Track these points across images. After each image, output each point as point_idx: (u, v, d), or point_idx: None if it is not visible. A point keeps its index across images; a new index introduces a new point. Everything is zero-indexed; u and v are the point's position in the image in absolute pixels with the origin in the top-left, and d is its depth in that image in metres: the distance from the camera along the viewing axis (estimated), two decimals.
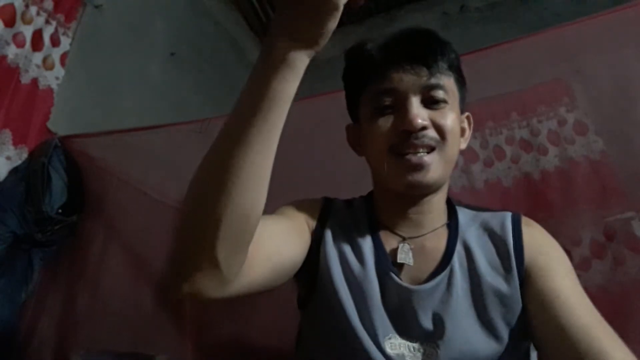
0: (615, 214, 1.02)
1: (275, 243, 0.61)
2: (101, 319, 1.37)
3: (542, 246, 0.67)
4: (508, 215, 0.70)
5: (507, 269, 0.64)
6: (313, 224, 0.71)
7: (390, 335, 0.61)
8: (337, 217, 0.72)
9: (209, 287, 0.49)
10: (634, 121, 1.04)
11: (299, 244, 0.66)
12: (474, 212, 0.73)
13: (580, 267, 1.04)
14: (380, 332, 0.61)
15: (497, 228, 0.69)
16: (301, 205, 0.73)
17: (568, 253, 1.07)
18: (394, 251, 0.67)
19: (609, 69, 1.08)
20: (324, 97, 1.24)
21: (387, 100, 0.66)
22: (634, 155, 1.04)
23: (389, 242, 0.69)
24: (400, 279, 0.64)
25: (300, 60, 0.49)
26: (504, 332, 0.61)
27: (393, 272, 0.65)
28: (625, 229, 1.02)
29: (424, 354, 0.59)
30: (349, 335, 0.61)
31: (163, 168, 1.47)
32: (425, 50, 0.66)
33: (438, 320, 0.60)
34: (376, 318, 0.61)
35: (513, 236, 0.67)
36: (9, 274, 1.37)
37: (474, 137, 1.23)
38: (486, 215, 0.72)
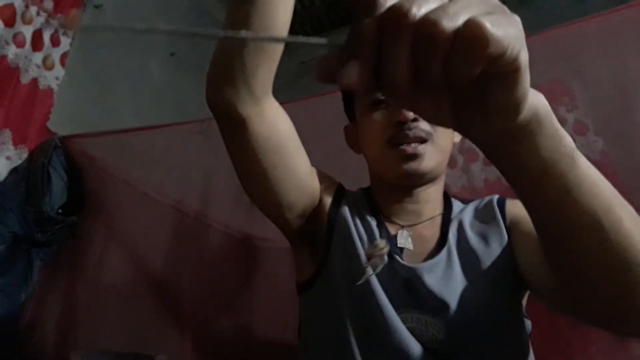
0: None
1: (296, 139, 0.66)
2: (101, 319, 1.37)
3: (525, 221, 0.70)
4: (495, 196, 0.74)
5: (492, 221, 0.68)
6: (329, 196, 0.73)
7: (401, 310, 0.62)
8: (350, 198, 0.76)
9: (240, 95, 0.58)
10: (634, 121, 1.04)
11: (308, 173, 0.69)
12: (468, 202, 0.77)
13: None
14: (398, 304, 0.62)
15: (485, 206, 0.73)
16: (323, 173, 0.76)
17: None
18: (394, 237, 0.69)
19: (609, 69, 1.08)
20: (324, 97, 1.24)
21: (380, 95, 0.69)
22: (634, 155, 1.04)
23: (389, 229, 0.71)
24: (403, 260, 0.66)
25: None
26: (496, 294, 0.63)
27: (396, 252, 0.67)
28: None
29: (430, 327, 0.60)
30: (369, 302, 0.62)
31: (163, 168, 1.47)
32: None
33: (440, 296, 0.62)
34: (393, 292, 0.63)
35: (498, 205, 0.71)
36: (9, 274, 1.37)
37: None
38: (477, 201, 0.76)
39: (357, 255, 0.66)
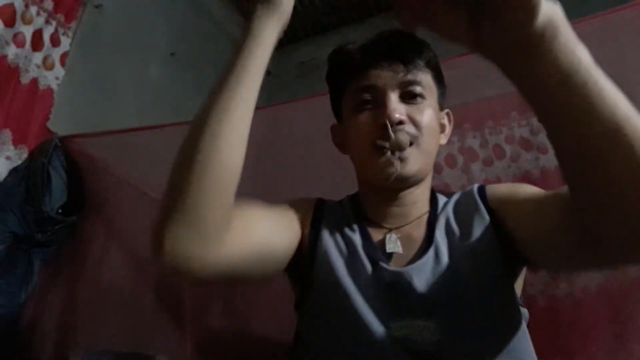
0: None
1: (263, 227, 0.64)
2: (101, 319, 1.37)
3: (503, 186, 0.73)
4: (475, 185, 0.75)
5: (473, 209, 0.68)
6: (307, 222, 0.73)
7: (391, 319, 0.61)
8: (330, 216, 0.74)
9: (191, 241, 0.52)
10: None
11: (287, 236, 0.69)
12: (452, 195, 0.77)
13: None
14: (387, 315, 0.61)
15: (466, 195, 0.73)
16: (297, 203, 0.75)
17: None
18: (382, 242, 0.69)
19: (609, 68, 1.07)
20: (324, 97, 1.24)
21: (367, 96, 0.69)
22: None
23: (376, 234, 0.70)
24: (389, 266, 0.66)
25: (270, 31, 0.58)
26: (486, 280, 0.62)
27: (382, 260, 0.66)
28: None
29: (424, 331, 0.59)
30: (355, 322, 0.61)
31: (163, 168, 1.47)
32: (402, 48, 0.69)
33: (431, 297, 0.61)
34: (376, 303, 0.62)
35: (479, 192, 0.71)
36: (9, 274, 1.37)
37: (473, 136, 1.23)
38: (459, 192, 0.76)
39: (338, 277, 0.65)
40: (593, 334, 1.00)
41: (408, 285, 0.62)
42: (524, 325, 0.63)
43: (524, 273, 0.69)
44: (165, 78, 2.40)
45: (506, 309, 0.63)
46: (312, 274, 0.68)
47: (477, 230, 0.66)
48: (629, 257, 0.48)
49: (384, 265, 0.65)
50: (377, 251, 0.67)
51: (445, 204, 0.73)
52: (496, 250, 0.63)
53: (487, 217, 0.66)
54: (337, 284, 0.65)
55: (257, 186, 1.36)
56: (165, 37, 2.46)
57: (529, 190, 0.66)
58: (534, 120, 1.16)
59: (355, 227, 0.71)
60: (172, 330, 1.32)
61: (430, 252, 0.65)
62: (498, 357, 0.59)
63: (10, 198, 1.40)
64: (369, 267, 0.65)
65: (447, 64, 1.24)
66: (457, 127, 1.31)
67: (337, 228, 0.72)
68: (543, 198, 0.60)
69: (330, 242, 0.69)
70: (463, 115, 1.25)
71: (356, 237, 0.70)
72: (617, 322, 0.99)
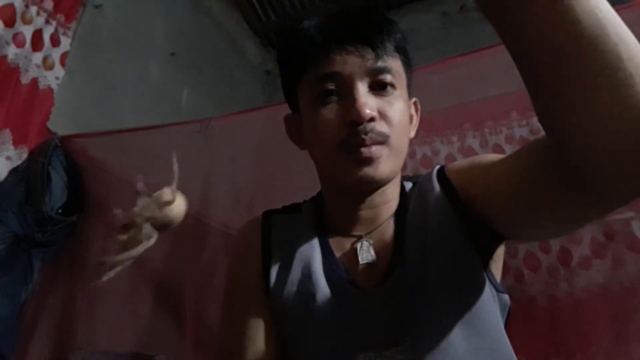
0: (615, 214, 1.02)
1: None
2: (101, 318, 1.37)
3: (463, 160, 0.66)
4: (435, 168, 0.67)
5: (431, 194, 0.63)
6: (259, 255, 0.67)
7: (363, 348, 0.57)
8: (279, 235, 0.68)
9: None
10: None
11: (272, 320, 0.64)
12: (418, 178, 0.70)
13: (581, 266, 1.04)
14: (351, 349, 0.57)
15: (426, 177, 0.66)
16: (242, 266, 0.68)
17: (568, 252, 1.07)
18: (349, 254, 0.63)
19: None
20: None
21: (330, 86, 0.59)
22: None
23: (342, 245, 0.64)
24: (356, 285, 0.60)
25: None
26: (456, 268, 0.58)
27: (346, 279, 0.61)
28: (625, 229, 1.02)
29: (396, 355, 0.56)
30: (316, 358, 0.59)
31: (163, 168, 1.47)
32: (370, 29, 0.60)
33: (399, 324, 0.57)
34: (343, 335, 0.58)
35: (438, 174, 0.64)
36: (9, 274, 1.37)
37: (473, 136, 1.23)
38: (421, 177, 0.69)
39: (294, 312, 0.61)
40: (593, 334, 1.00)
41: (374, 313, 0.58)
42: (499, 319, 0.59)
43: (502, 251, 0.62)
44: (165, 78, 2.40)
45: (480, 304, 0.57)
46: (272, 306, 0.63)
47: (438, 216, 0.60)
48: (623, 189, 0.42)
49: (348, 284, 0.60)
50: (338, 269, 0.62)
51: (410, 194, 0.66)
52: (461, 233, 0.58)
53: (439, 195, 0.61)
54: (294, 318, 0.61)
55: (257, 186, 1.36)
56: (165, 37, 2.46)
57: (492, 156, 0.61)
58: (534, 120, 1.16)
59: (315, 241, 0.64)
60: (172, 330, 1.32)
61: (398, 268, 0.59)
62: (471, 356, 0.55)
63: (10, 198, 1.40)
64: (327, 293, 0.60)
65: (447, 64, 1.25)
66: (457, 127, 1.32)
67: (289, 247, 0.65)
68: (512, 155, 0.55)
69: (282, 271, 0.63)
70: (463, 115, 1.25)
71: (314, 255, 0.63)
72: (617, 322, 0.99)
